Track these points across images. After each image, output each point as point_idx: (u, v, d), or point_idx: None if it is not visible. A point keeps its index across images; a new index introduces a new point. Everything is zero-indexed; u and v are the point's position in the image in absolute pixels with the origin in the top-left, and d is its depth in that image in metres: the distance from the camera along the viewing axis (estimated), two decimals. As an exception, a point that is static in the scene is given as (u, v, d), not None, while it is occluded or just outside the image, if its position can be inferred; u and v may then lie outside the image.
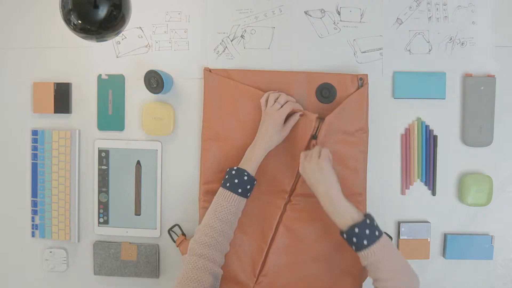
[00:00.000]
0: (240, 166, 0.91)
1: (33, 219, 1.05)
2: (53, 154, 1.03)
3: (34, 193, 1.05)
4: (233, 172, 0.90)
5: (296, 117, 0.94)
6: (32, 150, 1.04)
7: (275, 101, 0.93)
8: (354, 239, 0.80)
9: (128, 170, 1.03)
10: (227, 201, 0.88)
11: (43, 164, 1.04)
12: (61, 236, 1.04)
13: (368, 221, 0.81)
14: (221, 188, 0.90)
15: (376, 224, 0.82)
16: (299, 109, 0.94)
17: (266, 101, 0.95)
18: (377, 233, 0.80)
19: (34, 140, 1.04)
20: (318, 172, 0.86)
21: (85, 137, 1.05)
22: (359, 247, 0.80)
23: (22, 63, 1.05)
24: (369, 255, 0.79)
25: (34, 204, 1.05)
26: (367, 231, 0.79)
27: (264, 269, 0.95)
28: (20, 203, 1.06)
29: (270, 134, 0.91)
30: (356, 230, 0.80)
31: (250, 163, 0.91)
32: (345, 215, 0.82)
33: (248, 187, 0.90)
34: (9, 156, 1.07)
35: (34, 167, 1.05)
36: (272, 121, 0.91)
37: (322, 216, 0.95)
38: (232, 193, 0.88)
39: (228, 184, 0.89)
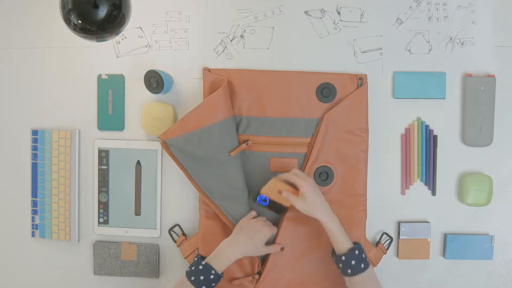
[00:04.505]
0: (210, 260, 0.87)
1: (33, 219, 1.05)
2: (53, 154, 1.03)
3: (34, 193, 1.05)
4: (200, 267, 0.85)
5: (277, 249, 0.94)
6: (32, 150, 1.04)
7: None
8: (353, 262, 0.84)
9: (128, 170, 1.03)
10: None
11: (43, 164, 1.04)
12: (61, 236, 1.04)
13: (362, 246, 0.88)
14: (185, 278, 0.85)
15: (364, 256, 0.87)
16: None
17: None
18: (367, 259, 0.86)
19: (34, 140, 1.04)
20: (320, 197, 0.90)
21: (85, 137, 1.05)
22: (356, 270, 0.84)
23: (22, 63, 1.05)
24: (364, 279, 0.83)
25: (34, 204, 1.05)
26: (363, 255, 0.86)
27: (265, 269, 0.95)
28: (20, 203, 1.06)
29: (256, 244, 0.90)
30: (357, 252, 0.85)
31: (222, 262, 0.87)
32: (346, 239, 0.87)
33: (213, 284, 0.86)
34: (9, 156, 1.07)
35: (34, 167, 1.05)
36: (263, 232, 0.91)
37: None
38: None
39: (193, 278, 0.84)
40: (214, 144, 0.94)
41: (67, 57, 1.04)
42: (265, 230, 0.91)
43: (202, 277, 0.84)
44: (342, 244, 0.86)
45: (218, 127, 0.94)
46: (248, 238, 0.90)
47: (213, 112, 0.94)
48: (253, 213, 0.96)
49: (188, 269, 0.87)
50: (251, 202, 0.97)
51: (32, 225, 1.06)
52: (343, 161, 0.97)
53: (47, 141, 1.03)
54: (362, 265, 0.84)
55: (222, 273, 0.87)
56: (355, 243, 0.87)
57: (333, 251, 0.89)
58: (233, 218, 0.95)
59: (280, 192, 0.91)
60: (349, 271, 0.84)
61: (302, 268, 0.96)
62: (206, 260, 0.87)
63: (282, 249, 0.94)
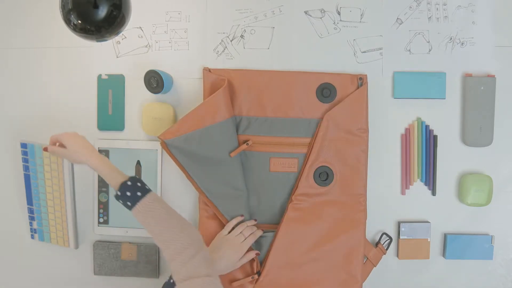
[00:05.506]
0: None
1: (31, 224, 1.05)
2: (45, 169, 1.00)
3: (30, 201, 1.04)
4: (172, 280, 0.80)
5: (251, 256, 0.93)
6: (23, 162, 1.02)
7: (240, 232, 0.93)
8: (128, 193, 0.81)
9: (128, 170, 1.03)
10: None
11: (35, 176, 1.01)
12: (60, 242, 1.04)
13: (138, 178, 0.83)
14: None
15: (141, 184, 0.82)
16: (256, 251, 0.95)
17: (231, 227, 0.95)
18: (146, 187, 0.82)
19: (24, 153, 1.01)
20: (81, 141, 0.89)
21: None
22: (134, 199, 0.80)
23: (22, 63, 1.05)
24: (145, 206, 0.80)
25: (31, 211, 1.04)
26: (139, 184, 0.82)
27: (265, 269, 0.95)
28: (19, 207, 1.06)
29: (225, 263, 0.90)
30: (129, 183, 0.81)
31: None
32: (119, 175, 0.84)
33: None
34: (6, 159, 1.07)
35: (27, 178, 1.02)
36: (233, 251, 0.90)
37: (323, 216, 0.96)
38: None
39: None
40: (214, 145, 0.94)
41: (67, 57, 1.04)
42: (236, 250, 0.90)
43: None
44: (116, 179, 0.83)
45: (218, 127, 0.94)
46: (218, 260, 0.89)
47: (213, 113, 0.94)
48: (232, 223, 0.95)
49: (166, 280, 0.84)
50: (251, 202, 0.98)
51: (31, 229, 1.05)
52: (343, 161, 0.97)
53: (37, 155, 1.00)
54: (139, 193, 0.81)
55: None
56: (130, 177, 0.83)
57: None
58: (230, 218, 0.95)
59: (45, 148, 0.91)
60: (128, 203, 0.81)
61: (302, 268, 0.96)
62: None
63: (257, 254, 0.94)
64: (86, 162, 0.86)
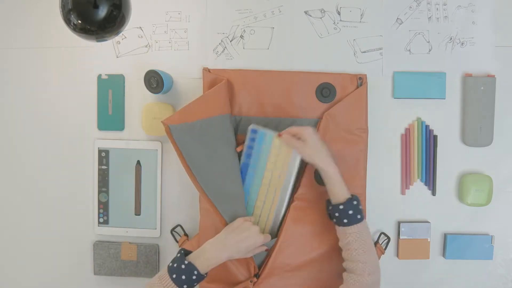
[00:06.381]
0: (193, 258, 0.82)
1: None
2: (272, 152, 0.95)
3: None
4: (183, 266, 0.80)
5: (262, 249, 0.90)
6: (247, 147, 0.96)
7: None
8: (350, 212, 0.85)
9: (128, 170, 1.03)
10: None
11: (255, 165, 0.97)
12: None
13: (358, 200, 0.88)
14: (166, 274, 0.81)
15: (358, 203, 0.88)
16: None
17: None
18: (363, 212, 0.88)
19: (251, 139, 0.97)
20: (321, 143, 0.89)
21: (85, 137, 1.05)
22: (353, 220, 0.85)
23: (22, 63, 1.05)
24: (360, 230, 0.85)
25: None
26: (360, 207, 0.87)
27: (264, 271, 0.94)
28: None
29: (243, 249, 0.86)
30: (355, 202, 0.86)
31: (206, 263, 0.82)
32: (345, 189, 0.87)
33: (195, 284, 0.82)
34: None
35: (245, 167, 0.97)
36: (255, 239, 0.86)
37: (323, 215, 0.95)
38: (176, 286, 0.80)
39: (174, 276, 0.80)
40: (215, 136, 0.93)
41: (67, 57, 1.04)
42: (258, 238, 0.87)
43: (184, 277, 0.80)
44: (341, 193, 0.86)
45: (218, 120, 0.94)
46: (236, 242, 0.85)
47: (214, 105, 0.94)
48: (252, 218, 0.92)
49: (170, 264, 0.82)
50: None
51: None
52: (342, 161, 0.96)
53: (267, 143, 0.95)
54: (359, 216, 0.85)
55: (206, 273, 0.83)
56: (352, 194, 0.88)
57: (328, 201, 0.90)
58: (228, 217, 0.92)
59: (280, 135, 0.92)
60: (345, 220, 0.85)
61: (302, 269, 0.95)
62: (190, 258, 0.83)
63: (266, 250, 0.92)
64: (319, 163, 0.87)
